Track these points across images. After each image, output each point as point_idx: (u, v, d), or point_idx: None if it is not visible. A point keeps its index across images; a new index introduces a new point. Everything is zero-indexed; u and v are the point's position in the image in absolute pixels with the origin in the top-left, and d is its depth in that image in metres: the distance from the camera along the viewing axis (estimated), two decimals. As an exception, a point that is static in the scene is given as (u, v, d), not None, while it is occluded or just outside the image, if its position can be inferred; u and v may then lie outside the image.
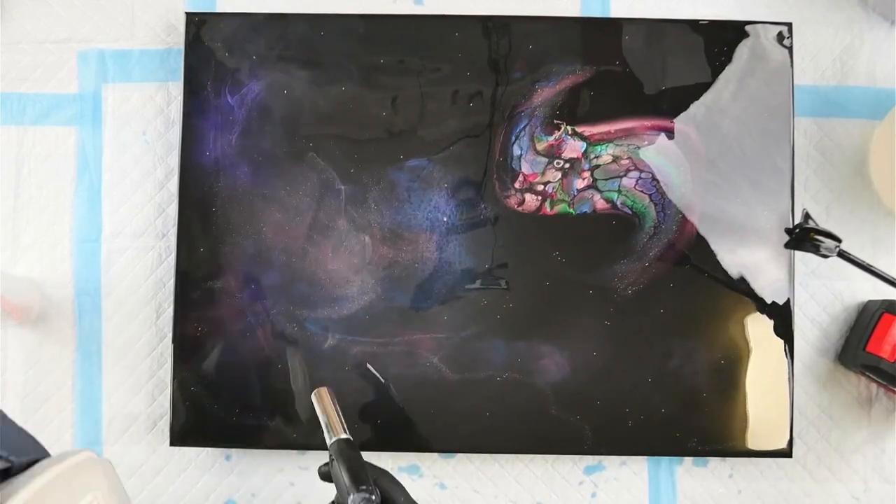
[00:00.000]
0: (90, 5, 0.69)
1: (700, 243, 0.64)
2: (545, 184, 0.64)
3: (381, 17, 0.66)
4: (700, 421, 0.64)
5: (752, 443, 0.64)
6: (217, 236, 0.64)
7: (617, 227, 0.64)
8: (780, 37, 0.65)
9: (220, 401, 0.63)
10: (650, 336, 0.64)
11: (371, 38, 0.65)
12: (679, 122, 0.64)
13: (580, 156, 0.65)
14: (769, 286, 0.64)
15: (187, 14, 0.65)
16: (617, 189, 0.64)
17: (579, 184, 0.64)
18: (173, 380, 0.63)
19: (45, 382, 0.67)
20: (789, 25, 0.65)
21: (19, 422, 0.67)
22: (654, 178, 0.64)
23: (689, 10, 0.69)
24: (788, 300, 0.64)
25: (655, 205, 0.64)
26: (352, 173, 0.64)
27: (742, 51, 0.65)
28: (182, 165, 0.64)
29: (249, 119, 0.64)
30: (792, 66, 0.65)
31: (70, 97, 0.69)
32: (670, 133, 0.64)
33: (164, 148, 0.68)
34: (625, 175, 0.64)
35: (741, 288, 0.64)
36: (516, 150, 0.64)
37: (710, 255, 0.64)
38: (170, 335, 0.64)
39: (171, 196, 0.68)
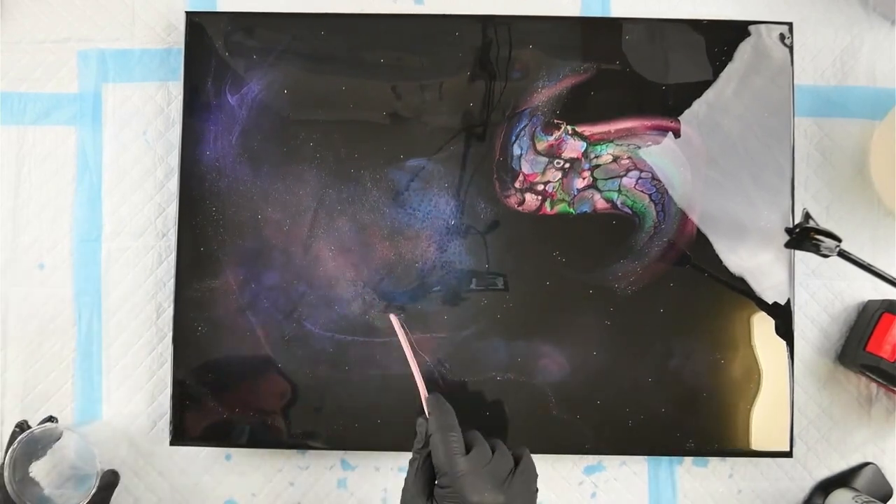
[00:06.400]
0: (90, 5, 0.69)
1: (700, 243, 0.64)
2: (545, 183, 0.64)
3: (381, 17, 0.66)
4: (700, 421, 0.64)
5: (753, 443, 0.64)
6: (217, 236, 0.64)
7: (617, 226, 0.64)
8: (782, 37, 0.65)
9: (220, 401, 0.63)
10: (650, 336, 0.64)
11: (371, 38, 0.65)
12: (681, 121, 0.64)
13: (580, 155, 0.64)
14: (770, 286, 0.64)
15: (187, 13, 0.65)
16: (617, 189, 0.64)
17: (579, 183, 0.64)
18: (173, 380, 0.63)
19: (45, 382, 0.67)
20: (790, 25, 0.65)
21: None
22: (654, 178, 0.64)
23: (688, 10, 0.69)
24: (789, 300, 0.64)
25: (655, 204, 0.64)
26: (351, 173, 0.64)
27: (744, 49, 0.65)
28: (182, 165, 0.64)
29: (249, 118, 0.64)
30: (792, 65, 0.65)
31: (70, 97, 0.69)
32: (671, 132, 0.64)
33: (164, 147, 0.68)
34: (625, 175, 0.64)
35: (741, 288, 0.64)
36: (516, 150, 0.64)
37: (711, 254, 0.64)
38: (170, 335, 0.64)
39: (171, 196, 0.68)
